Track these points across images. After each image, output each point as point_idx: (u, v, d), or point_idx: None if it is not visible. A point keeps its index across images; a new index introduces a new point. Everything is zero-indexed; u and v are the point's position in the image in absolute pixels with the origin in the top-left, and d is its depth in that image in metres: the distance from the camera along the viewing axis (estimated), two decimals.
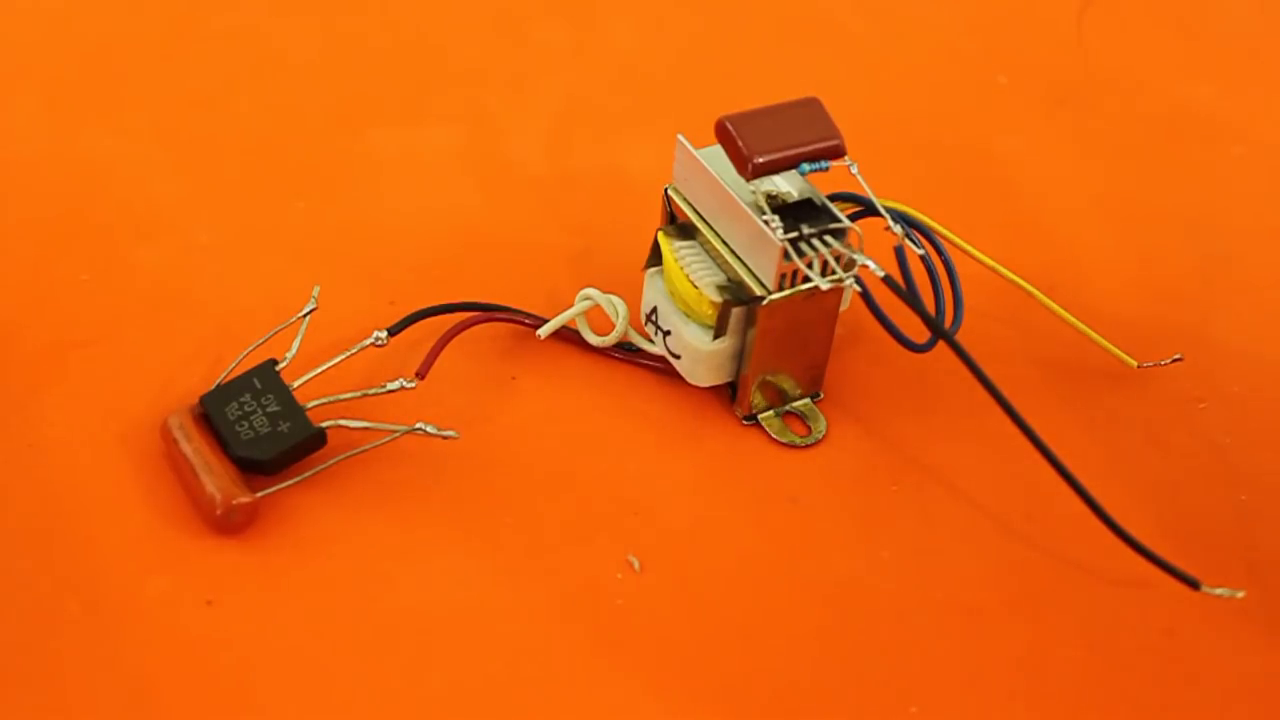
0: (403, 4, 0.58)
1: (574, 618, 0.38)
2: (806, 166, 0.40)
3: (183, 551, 0.38)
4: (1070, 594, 0.39)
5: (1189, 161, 0.54)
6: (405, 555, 0.38)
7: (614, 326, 0.43)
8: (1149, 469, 0.42)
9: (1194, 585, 0.37)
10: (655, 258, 0.42)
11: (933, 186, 0.51)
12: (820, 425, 0.42)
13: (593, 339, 0.43)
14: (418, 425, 0.40)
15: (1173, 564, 0.37)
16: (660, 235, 0.42)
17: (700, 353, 0.41)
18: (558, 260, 0.47)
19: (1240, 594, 0.38)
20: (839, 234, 0.40)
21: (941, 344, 0.39)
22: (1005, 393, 0.38)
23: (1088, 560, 0.39)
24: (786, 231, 0.39)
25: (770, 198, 0.40)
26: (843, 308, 0.42)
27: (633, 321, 0.43)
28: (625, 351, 0.44)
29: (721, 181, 0.40)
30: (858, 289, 0.40)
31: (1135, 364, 0.44)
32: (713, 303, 0.40)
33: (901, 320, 0.42)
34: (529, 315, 0.43)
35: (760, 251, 0.39)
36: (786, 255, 0.39)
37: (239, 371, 0.40)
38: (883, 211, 0.41)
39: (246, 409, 0.39)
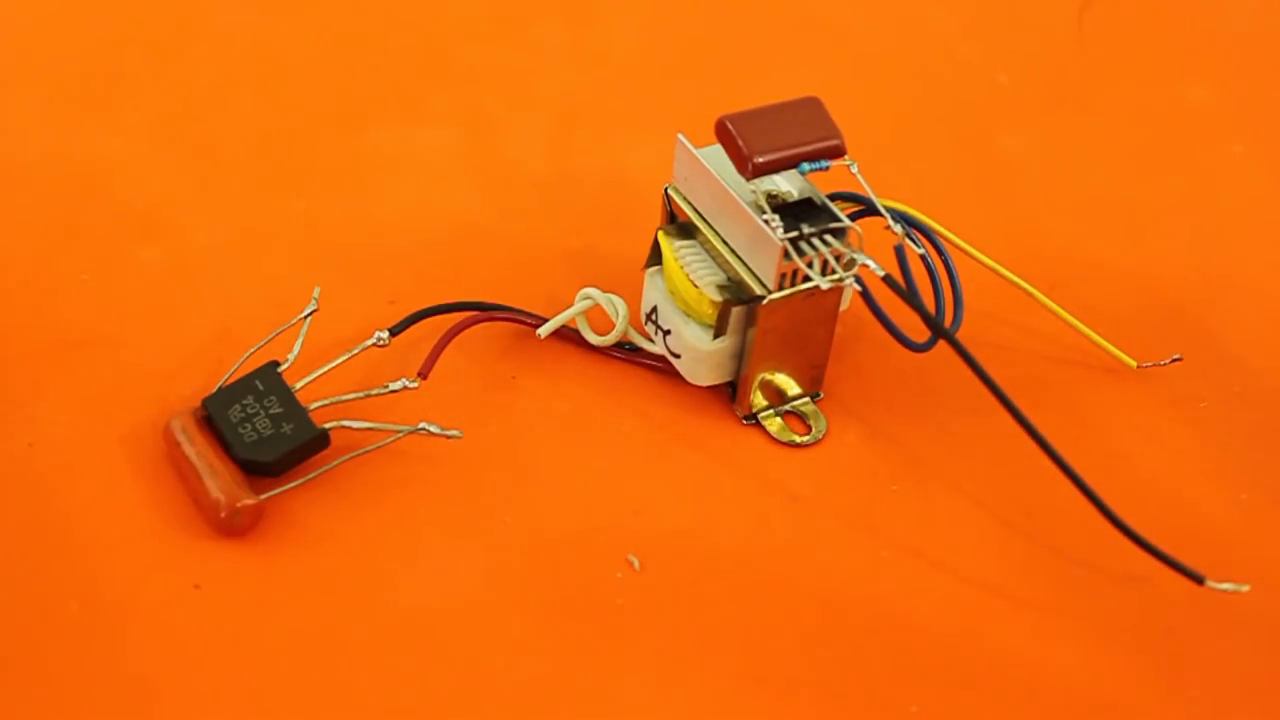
0: (403, 4, 0.58)
1: (574, 618, 0.38)
2: (807, 166, 0.40)
3: (186, 554, 0.38)
4: (1071, 592, 0.39)
5: (1189, 161, 0.54)
6: (407, 555, 0.38)
7: (614, 326, 0.43)
8: (1149, 469, 0.42)
9: (1199, 580, 0.37)
10: (655, 257, 0.42)
11: (933, 186, 0.51)
12: (820, 425, 0.42)
13: (593, 338, 0.43)
14: (421, 425, 0.40)
15: (1175, 559, 0.37)
16: (660, 235, 0.42)
17: (700, 352, 0.41)
18: (558, 260, 0.47)
19: (1245, 588, 0.37)
20: (839, 233, 0.40)
21: (942, 343, 0.39)
22: (1005, 392, 0.38)
23: (1088, 559, 0.39)
24: (786, 231, 0.39)
25: (770, 197, 0.40)
26: (843, 307, 0.42)
27: (633, 321, 0.43)
28: (625, 351, 0.44)
29: (721, 181, 0.40)
30: (858, 288, 0.40)
31: (1135, 364, 0.44)
32: (713, 302, 0.40)
33: (901, 320, 0.42)
34: (529, 315, 0.43)
35: (760, 251, 0.39)
36: (787, 254, 0.39)
37: (241, 374, 0.40)
38: (883, 211, 0.41)
39: (249, 411, 0.39)
